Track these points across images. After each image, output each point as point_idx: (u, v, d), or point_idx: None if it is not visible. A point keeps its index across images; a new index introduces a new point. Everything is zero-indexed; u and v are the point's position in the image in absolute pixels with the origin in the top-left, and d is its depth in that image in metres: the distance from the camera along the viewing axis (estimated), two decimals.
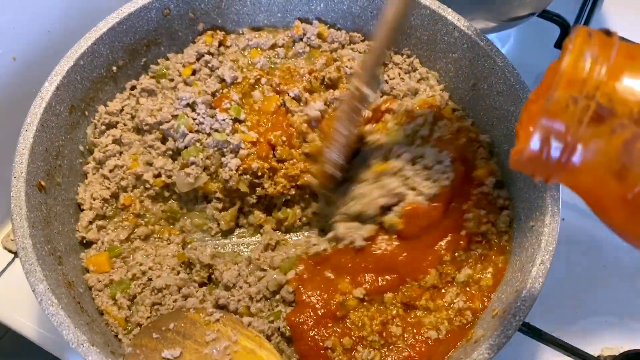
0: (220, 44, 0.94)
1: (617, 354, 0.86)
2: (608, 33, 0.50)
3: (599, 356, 0.87)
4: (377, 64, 0.78)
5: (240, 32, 0.97)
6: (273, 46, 0.95)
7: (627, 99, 0.46)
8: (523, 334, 0.83)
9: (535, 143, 0.49)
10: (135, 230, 0.83)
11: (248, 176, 0.83)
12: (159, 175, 0.84)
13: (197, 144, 0.83)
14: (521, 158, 0.50)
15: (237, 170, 0.83)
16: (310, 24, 0.97)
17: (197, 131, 0.84)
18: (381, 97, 0.91)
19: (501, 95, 0.85)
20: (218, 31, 0.95)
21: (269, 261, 0.81)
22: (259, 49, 0.95)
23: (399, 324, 0.74)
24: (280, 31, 0.97)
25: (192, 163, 0.83)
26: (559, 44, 1.06)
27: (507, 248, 0.80)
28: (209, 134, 0.84)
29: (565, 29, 1.06)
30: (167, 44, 0.93)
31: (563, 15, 1.06)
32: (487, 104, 0.88)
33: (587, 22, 1.10)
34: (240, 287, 0.78)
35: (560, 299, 0.91)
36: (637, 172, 0.46)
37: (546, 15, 1.05)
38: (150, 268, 0.79)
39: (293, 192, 0.85)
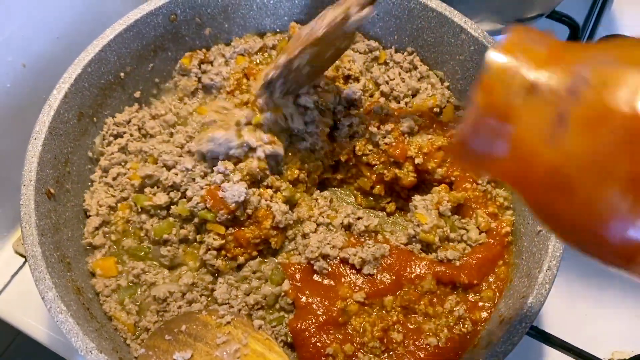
0: (202, 62, 0.94)
1: (627, 358, 0.85)
2: (541, 32, 0.49)
3: None
4: None
5: (228, 43, 0.97)
6: (262, 49, 0.95)
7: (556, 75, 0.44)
8: (531, 337, 0.83)
9: (464, 134, 0.48)
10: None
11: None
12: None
13: (171, 219, 0.81)
14: (455, 155, 0.49)
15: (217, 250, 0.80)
16: None
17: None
18: (378, 98, 0.92)
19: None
20: (198, 51, 0.94)
21: (258, 274, 0.81)
22: (245, 55, 0.94)
23: (399, 330, 0.75)
24: (277, 35, 0.97)
25: (166, 241, 0.80)
26: None
27: (508, 259, 0.80)
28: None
29: (574, 30, 1.05)
30: (175, 49, 0.93)
31: (572, 16, 1.05)
32: None
33: (596, 23, 1.09)
34: (236, 297, 0.78)
35: (570, 301, 0.91)
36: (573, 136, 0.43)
37: (555, 16, 1.05)
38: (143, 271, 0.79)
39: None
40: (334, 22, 0.73)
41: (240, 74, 0.90)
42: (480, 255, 0.79)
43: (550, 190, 0.44)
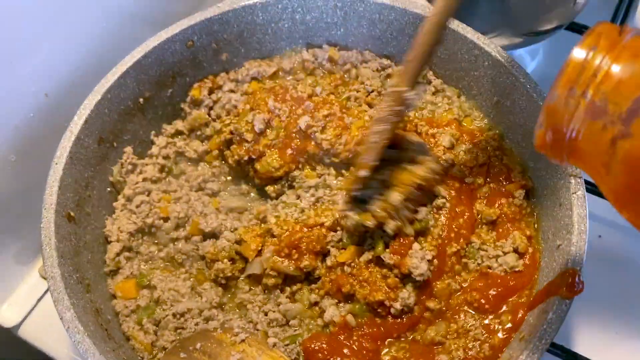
0: (211, 91, 0.95)
1: None
2: (623, 30, 0.49)
3: None
4: (422, 63, 0.72)
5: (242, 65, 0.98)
6: (275, 73, 0.97)
7: (619, 98, 0.46)
8: (558, 358, 0.80)
9: (541, 139, 0.53)
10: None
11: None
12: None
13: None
14: (538, 145, 0.54)
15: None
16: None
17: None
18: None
19: (525, 111, 0.83)
20: (205, 80, 0.96)
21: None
22: (260, 80, 0.96)
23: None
24: (292, 57, 0.99)
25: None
26: None
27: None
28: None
29: None
30: (192, 75, 0.95)
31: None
32: (511, 121, 0.86)
33: None
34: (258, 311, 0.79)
35: (599, 320, 0.88)
36: (617, 169, 0.48)
37: (574, 27, 1.03)
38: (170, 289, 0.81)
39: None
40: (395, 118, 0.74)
41: (249, 103, 0.91)
42: (511, 284, 0.77)
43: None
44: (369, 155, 0.75)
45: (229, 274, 0.81)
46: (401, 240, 0.76)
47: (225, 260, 0.81)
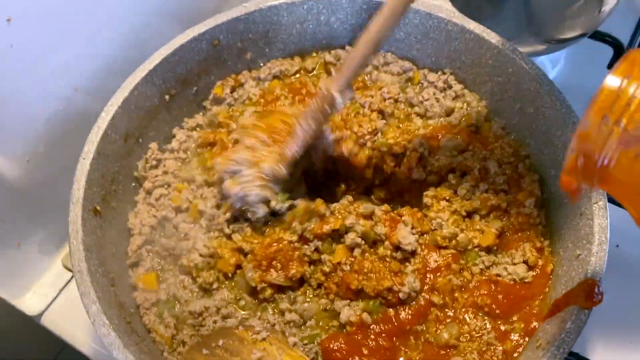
0: (233, 89, 0.97)
1: None
2: None
3: None
4: (355, 72, 0.78)
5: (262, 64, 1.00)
6: (297, 72, 0.98)
7: None
8: None
9: (572, 163, 0.53)
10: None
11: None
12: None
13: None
14: (567, 170, 0.54)
15: None
16: None
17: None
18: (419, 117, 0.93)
19: (548, 119, 0.84)
20: (228, 78, 0.97)
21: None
22: (281, 78, 0.98)
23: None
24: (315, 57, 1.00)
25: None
26: (612, 65, 1.03)
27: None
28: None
29: (618, 50, 1.03)
30: (217, 73, 0.96)
31: (616, 35, 1.03)
32: (534, 128, 0.87)
33: None
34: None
35: (618, 330, 0.88)
36: None
37: (598, 36, 1.03)
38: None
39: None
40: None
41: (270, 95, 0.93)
42: (521, 294, 0.77)
43: None
44: (291, 147, 0.80)
45: (216, 279, 0.80)
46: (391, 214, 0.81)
47: (204, 272, 0.80)
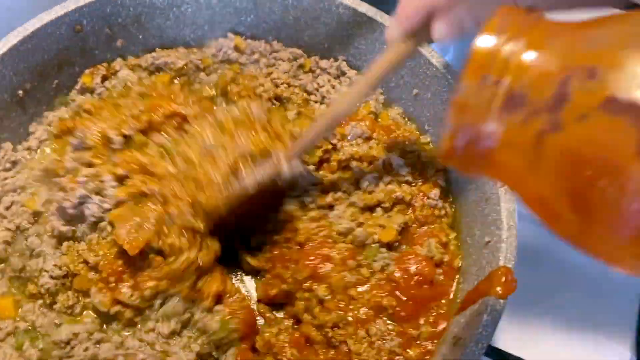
0: (105, 78, 0.85)
1: None
2: (531, 10, 0.44)
3: None
4: (309, 145, 0.74)
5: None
6: (183, 68, 0.87)
7: (540, 82, 0.40)
8: (487, 357, 0.78)
9: (449, 143, 0.45)
10: None
11: None
12: None
13: None
14: (444, 155, 0.46)
15: None
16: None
17: None
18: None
19: (446, 103, 0.80)
20: (99, 66, 0.85)
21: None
22: (168, 72, 0.87)
23: None
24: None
25: None
26: None
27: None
28: None
29: None
30: (82, 64, 0.84)
31: None
32: (431, 114, 0.83)
33: None
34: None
35: (523, 316, 0.86)
36: (547, 172, 0.40)
37: None
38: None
39: None
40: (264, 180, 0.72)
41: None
42: (426, 294, 0.72)
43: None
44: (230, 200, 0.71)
45: (77, 300, 0.69)
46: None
47: (59, 296, 0.68)
